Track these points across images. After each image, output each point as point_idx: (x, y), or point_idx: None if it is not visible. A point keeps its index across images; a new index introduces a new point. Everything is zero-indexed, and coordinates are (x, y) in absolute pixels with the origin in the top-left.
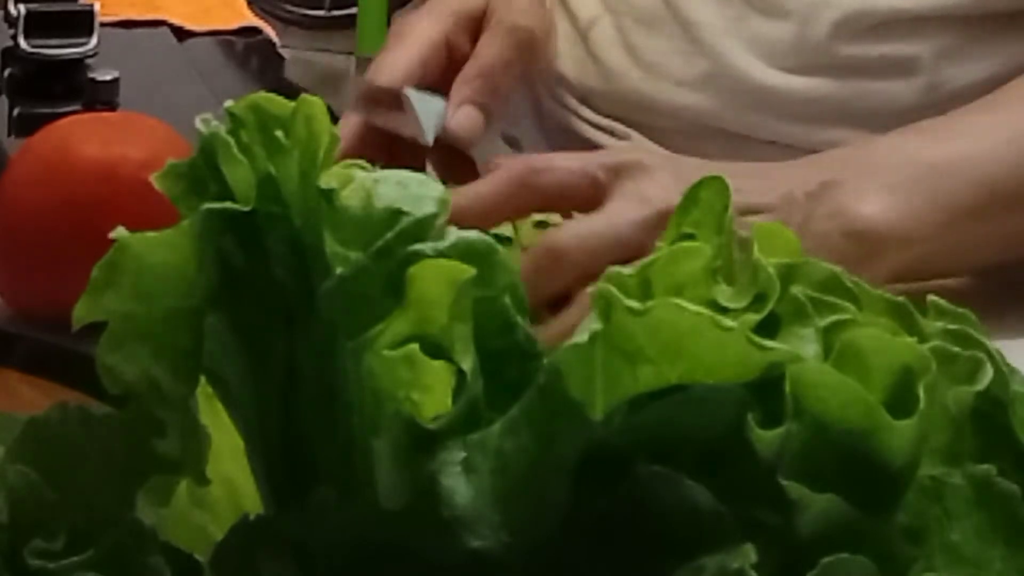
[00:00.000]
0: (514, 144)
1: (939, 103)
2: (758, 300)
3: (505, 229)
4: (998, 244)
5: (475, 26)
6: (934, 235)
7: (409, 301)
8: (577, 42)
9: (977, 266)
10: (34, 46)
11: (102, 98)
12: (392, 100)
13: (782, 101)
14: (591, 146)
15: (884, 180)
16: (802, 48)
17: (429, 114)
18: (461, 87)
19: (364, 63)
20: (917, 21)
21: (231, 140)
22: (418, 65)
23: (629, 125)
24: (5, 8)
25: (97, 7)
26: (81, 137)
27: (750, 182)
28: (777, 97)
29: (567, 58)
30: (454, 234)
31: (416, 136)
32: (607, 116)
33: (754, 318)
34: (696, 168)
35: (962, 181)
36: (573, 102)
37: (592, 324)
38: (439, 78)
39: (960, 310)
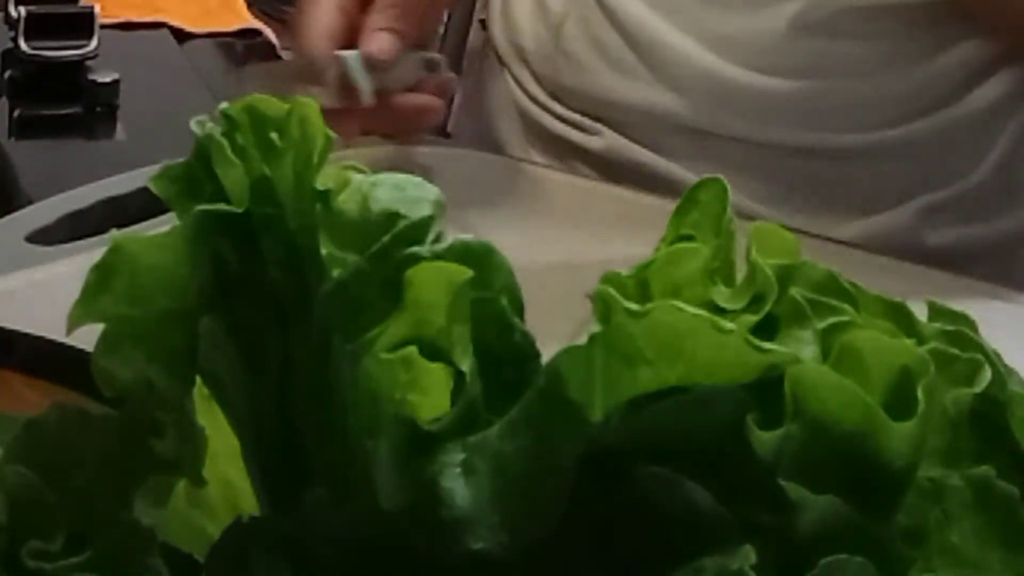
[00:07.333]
0: (497, 144)
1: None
2: (756, 301)
3: None
4: None
5: None
6: None
7: (406, 303)
8: (549, 39)
9: None
10: (34, 48)
11: (102, 100)
12: (309, 72)
13: (745, 98)
14: (562, 142)
15: None
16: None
17: (361, 72)
18: (375, 16)
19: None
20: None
21: (225, 142)
22: (339, 17)
23: (599, 120)
24: (5, 10)
25: (97, 9)
26: None
27: None
28: (740, 94)
29: (538, 55)
30: (451, 236)
31: (347, 100)
32: (577, 112)
33: (752, 319)
34: None
35: None
36: (544, 97)
37: (591, 326)
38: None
39: (959, 311)
